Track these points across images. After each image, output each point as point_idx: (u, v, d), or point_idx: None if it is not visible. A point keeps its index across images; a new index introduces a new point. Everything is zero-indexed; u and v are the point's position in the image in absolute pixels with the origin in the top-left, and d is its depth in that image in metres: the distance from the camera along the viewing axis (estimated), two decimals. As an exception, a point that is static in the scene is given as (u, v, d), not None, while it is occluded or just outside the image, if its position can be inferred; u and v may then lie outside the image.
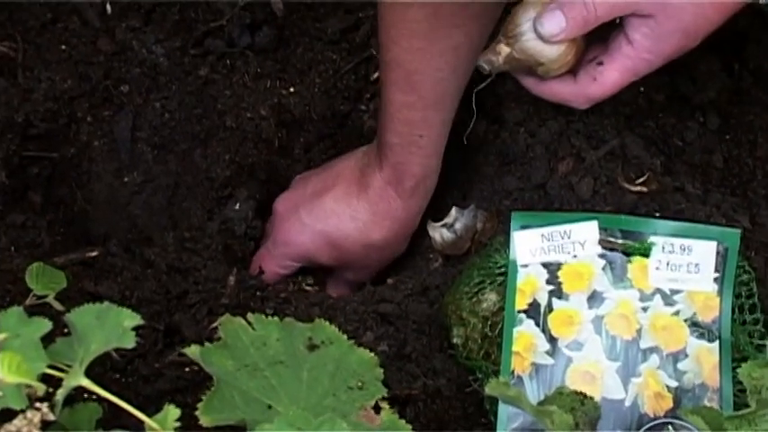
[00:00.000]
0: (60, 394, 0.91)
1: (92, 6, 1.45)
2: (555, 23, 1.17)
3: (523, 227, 1.25)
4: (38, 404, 0.83)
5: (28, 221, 1.37)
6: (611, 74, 1.18)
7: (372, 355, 1.10)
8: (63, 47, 1.44)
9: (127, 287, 1.29)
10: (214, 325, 1.27)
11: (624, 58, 1.17)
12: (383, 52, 1.20)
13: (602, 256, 1.23)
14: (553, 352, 1.20)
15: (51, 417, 0.84)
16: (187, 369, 1.24)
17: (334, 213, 1.32)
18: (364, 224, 1.32)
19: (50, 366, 0.91)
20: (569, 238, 1.24)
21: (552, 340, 1.21)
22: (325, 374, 1.07)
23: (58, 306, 1.13)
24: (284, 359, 1.07)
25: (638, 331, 1.20)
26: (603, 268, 1.23)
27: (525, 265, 1.24)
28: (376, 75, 1.44)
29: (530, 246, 1.24)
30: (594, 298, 1.22)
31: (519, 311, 1.22)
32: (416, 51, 1.17)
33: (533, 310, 1.22)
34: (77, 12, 1.45)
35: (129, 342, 0.95)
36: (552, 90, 1.23)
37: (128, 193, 1.44)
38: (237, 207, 1.36)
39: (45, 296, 1.14)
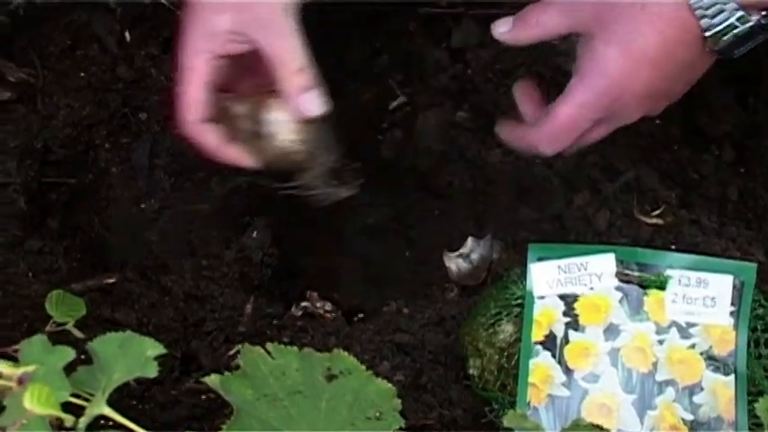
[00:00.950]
0: (83, 423, 0.91)
1: (111, 34, 1.46)
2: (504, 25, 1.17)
3: (540, 258, 1.25)
4: (63, 433, 0.84)
5: (45, 247, 1.38)
6: (561, 108, 1.14)
7: (390, 386, 1.10)
8: (82, 74, 1.44)
9: (144, 314, 1.30)
10: (231, 353, 1.27)
11: (573, 90, 1.14)
12: None
13: (618, 288, 1.24)
14: (569, 384, 1.21)
15: (80, 446, 0.85)
16: (203, 397, 1.25)
17: None
18: None
19: (72, 394, 0.92)
20: (586, 270, 1.24)
21: (568, 372, 1.21)
22: (344, 405, 1.07)
23: (78, 334, 1.13)
24: (303, 389, 1.07)
25: (654, 364, 1.20)
26: (620, 301, 1.23)
27: (542, 297, 1.24)
28: (395, 103, 1.45)
29: (547, 277, 1.25)
30: (611, 330, 1.22)
31: (535, 343, 1.23)
32: None
33: (550, 342, 1.23)
34: (97, 39, 1.46)
35: (152, 371, 0.96)
36: (519, 137, 1.20)
37: (145, 219, 1.44)
38: (255, 235, 1.36)
39: (64, 323, 1.14)
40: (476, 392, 1.24)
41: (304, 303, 1.35)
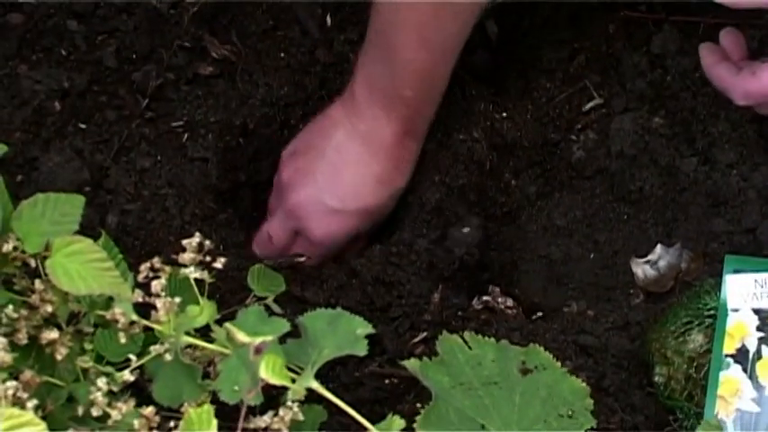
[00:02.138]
0: (292, 395, 0.92)
1: (312, 17, 1.48)
2: None
3: (737, 271, 1.24)
4: (289, 403, 0.85)
5: (235, 222, 1.41)
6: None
7: (584, 384, 1.10)
8: (282, 54, 1.47)
9: (332, 295, 1.31)
10: (416, 340, 1.28)
11: None
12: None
13: (815, 306, 1.22)
14: (759, 400, 1.19)
15: (300, 417, 0.86)
16: (387, 381, 1.26)
17: (362, 184, 1.34)
18: (390, 178, 1.34)
19: (283, 367, 0.93)
20: (783, 286, 1.23)
21: (759, 388, 1.19)
22: (538, 399, 1.08)
23: (276, 308, 1.15)
24: (498, 380, 1.08)
25: None
26: (817, 319, 1.22)
27: (736, 310, 1.23)
28: (590, 105, 1.44)
29: (742, 290, 1.23)
30: (805, 348, 1.21)
31: (727, 356, 1.21)
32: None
33: (741, 356, 1.21)
34: (298, 21, 1.48)
35: (362, 349, 0.97)
36: (719, 74, 1.23)
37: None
38: (465, 231, 1.37)
39: (264, 297, 1.16)
40: (659, 400, 1.23)
41: (485, 297, 1.35)
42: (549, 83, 1.45)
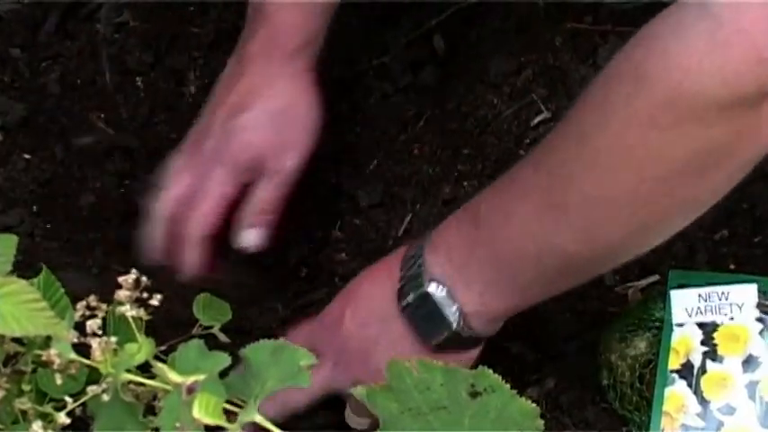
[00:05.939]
0: (234, 429, 0.91)
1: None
2: None
3: (681, 285, 1.24)
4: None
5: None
6: None
7: (534, 405, 1.09)
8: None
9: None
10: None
11: None
12: None
13: (759, 319, 1.22)
14: (704, 415, 1.19)
15: (238, 455, 0.85)
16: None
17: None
18: None
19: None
20: (727, 299, 1.23)
21: (704, 403, 1.19)
22: (487, 422, 1.07)
23: (223, 338, 1.14)
24: (447, 404, 1.07)
25: None
26: (760, 332, 1.21)
27: (680, 325, 1.23)
28: (537, 119, 1.44)
29: (686, 305, 1.23)
30: (750, 362, 1.20)
31: (672, 371, 1.21)
32: None
33: (686, 371, 1.21)
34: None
35: (305, 381, 0.96)
36: None
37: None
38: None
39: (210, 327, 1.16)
40: (613, 409, 1.23)
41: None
42: (496, 98, 1.45)
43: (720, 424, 1.18)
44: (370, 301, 1.18)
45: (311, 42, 1.30)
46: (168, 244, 1.29)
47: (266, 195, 1.28)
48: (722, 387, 1.20)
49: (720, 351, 1.21)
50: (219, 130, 1.29)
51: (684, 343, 1.22)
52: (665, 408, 1.20)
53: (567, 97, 1.44)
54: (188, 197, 1.28)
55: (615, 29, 1.47)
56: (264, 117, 1.28)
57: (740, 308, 1.22)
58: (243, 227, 1.28)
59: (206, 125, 1.31)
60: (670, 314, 1.23)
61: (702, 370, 1.21)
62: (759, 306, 1.22)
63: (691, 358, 1.22)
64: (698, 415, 1.19)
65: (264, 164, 1.28)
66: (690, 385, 1.20)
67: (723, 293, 1.23)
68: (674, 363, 1.22)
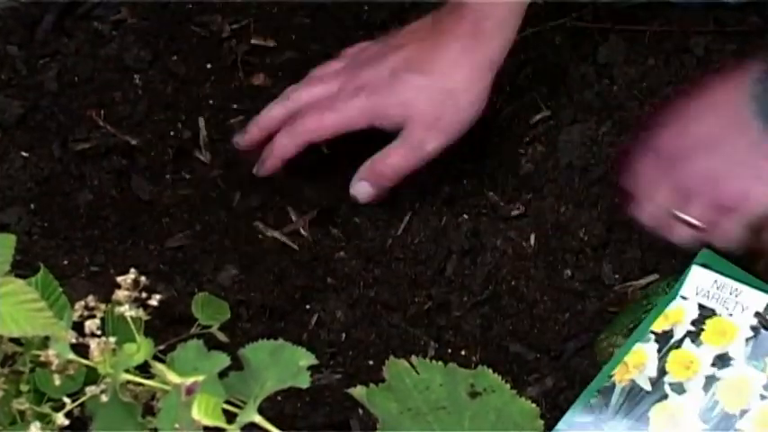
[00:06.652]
0: (233, 429, 0.91)
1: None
2: None
3: (704, 265, 1.25)
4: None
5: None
6: None
7: (534, 406, 1.09)
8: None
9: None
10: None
11: None
12: None
13: (753, 328, 1.22)
14: (655, 382, 1.20)
15: (235, 456, 0.85)
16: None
17: None
18: None
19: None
20: (736, 296, 1.23)
21: (661, 372, 1.20)
22: (487, 423, 1.06)
23: (222, 338, 1.14)
24: (446, 405, 1.07)
25: (744, 412, 1.17)
26: (747, 339, 1.21)
27: (684, 298, 1.24)
28: (537, 117, 1.44)
29: (698, 283, 1.24)
30: (723, 360, 1.20)
31: (652, 331, 1.23)
32: None
33: (664, 338, 1.22)
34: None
35: (304, 382, 0.96)
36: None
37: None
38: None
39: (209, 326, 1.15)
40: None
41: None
42: (495, 96, 1.44)
43: (664, 397, 1.19)
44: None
45: (507, 44, 1.32)
46: (272, 132, 1.33)
47: (395, 162, 1.31)
48: (685, 368, 1.20)
49: (703, 337, 1.22)
50: (386, 71, 1.31)
51: (677, 314, 1.23)
52: (626, 358, 1.21)
53: (567, 95, 1.43)
54: (320, 101, 1.31)
55: (615, 27, 1.46)
56: (434, 90, 1.30)
57: (743, 309, 1.23)
58: (359, 176, 1.32)
59: (376, 53, 1.33)
60: (681, 285, 1.24)
61: (677, 344, 1.22)
62: (759, 316, 1.22)
63: (674, 329, 1.22)
64: (650, 379, 1.20)
65: (410, 129, 1.30)
66: (659, 351, 1.21)
67: (736, 289, 1.24)
68: (658, 326, 1.23)
